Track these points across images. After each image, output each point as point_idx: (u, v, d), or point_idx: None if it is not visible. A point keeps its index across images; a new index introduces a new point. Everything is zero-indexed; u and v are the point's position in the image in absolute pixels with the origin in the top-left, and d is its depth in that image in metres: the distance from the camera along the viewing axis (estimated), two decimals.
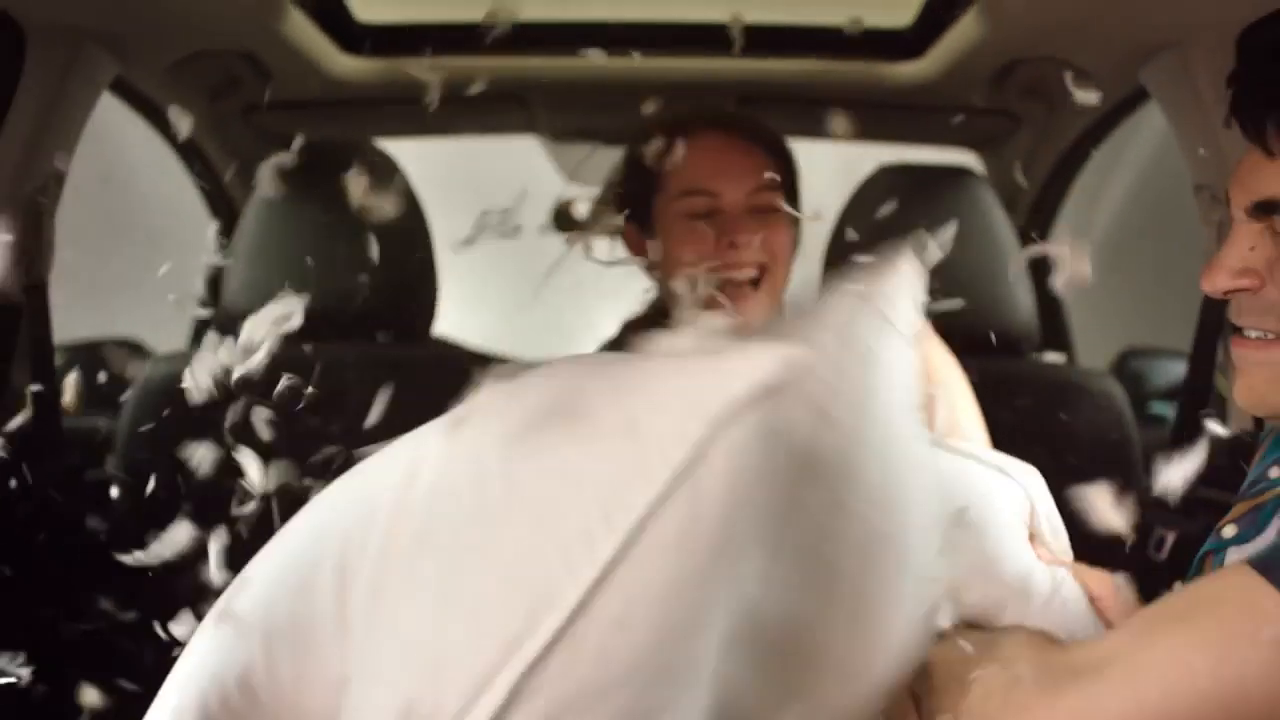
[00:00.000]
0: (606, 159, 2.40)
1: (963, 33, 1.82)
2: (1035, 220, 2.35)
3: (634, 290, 1.80)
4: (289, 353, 1.06)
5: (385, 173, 1.85)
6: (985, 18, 1.69)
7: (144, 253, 1.93)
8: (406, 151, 2.02)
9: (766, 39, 1.95)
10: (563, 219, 2.69)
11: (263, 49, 1.82)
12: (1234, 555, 1.06)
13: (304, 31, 1.80)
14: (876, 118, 2.12)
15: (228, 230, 2.26)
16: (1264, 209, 1.03)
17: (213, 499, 1.05)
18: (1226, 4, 1.45)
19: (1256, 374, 1.08)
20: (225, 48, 1.79)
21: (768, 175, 1.55)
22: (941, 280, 1.30)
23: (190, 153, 2.21)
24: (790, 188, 1.62)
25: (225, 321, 1.79)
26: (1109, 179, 2.82)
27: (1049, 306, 2.38)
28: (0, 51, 1.49)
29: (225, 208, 2.34)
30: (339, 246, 1.76)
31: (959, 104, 2.03)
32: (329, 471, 0.97)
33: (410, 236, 1.85)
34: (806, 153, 1.79)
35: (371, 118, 2.13)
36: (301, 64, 1.88)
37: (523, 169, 2.48)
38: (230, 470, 1.08)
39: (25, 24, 1.47)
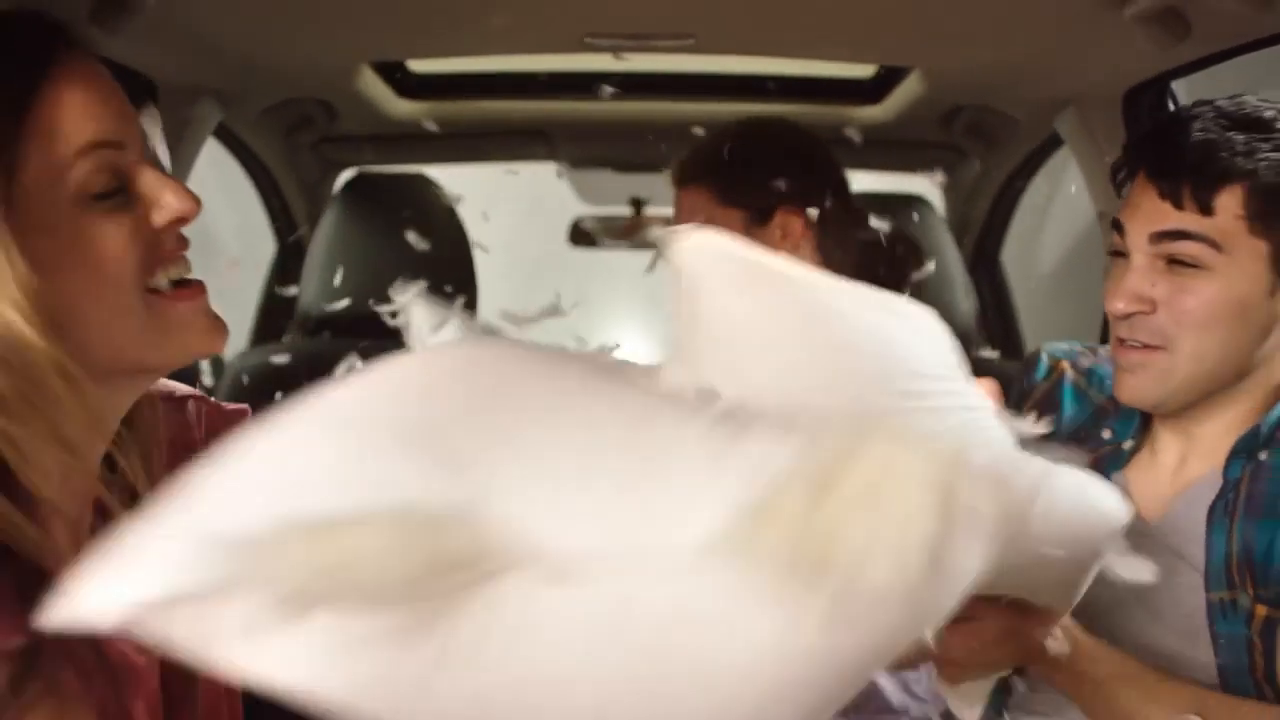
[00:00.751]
0: (614, 182, 2.81)
1: (913, 84, 2.20)
2: (986, 239, 2.74)
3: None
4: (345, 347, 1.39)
5: (432, 195, 2.25)
6: (925, 76, 2.09)
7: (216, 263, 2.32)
8: (448, 175, 2.42)
9: (757, 86, 2.33)
10: (578, 234, 3.10)
11: (335, 96, 2.22)
12: None
13: (369, 81, 2.19)
14: (847, 151, 2.50)
15: (284, 241, 2.66)
16: (1164, 237, 1.28)
17: None
18: (1111, 72, 1.83)
19: (1138, 374, 1.34)
20: (306, 95, 2.18)
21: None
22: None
23: (263, 178, 2.60)
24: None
25: (303, 319, 2.19)
26: (1054, 201, 3.19)
27: (1006, 319, 2.78)
28: (134, 103, 1.87)
29: (288, 224, 2.72)
30: (389, 255, 2.15)
31: (914, 140, 2.43)
32: None
33: (454, 247, 2.24)
34: None
35: (420, 149, 2.52)
36: (364, 106, 2.28)
37: (544, 190, 2.89)
38: None
39: (158, 81, 1.86)
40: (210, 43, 1.60)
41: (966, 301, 2.30)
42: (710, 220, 1.74)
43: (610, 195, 2.88)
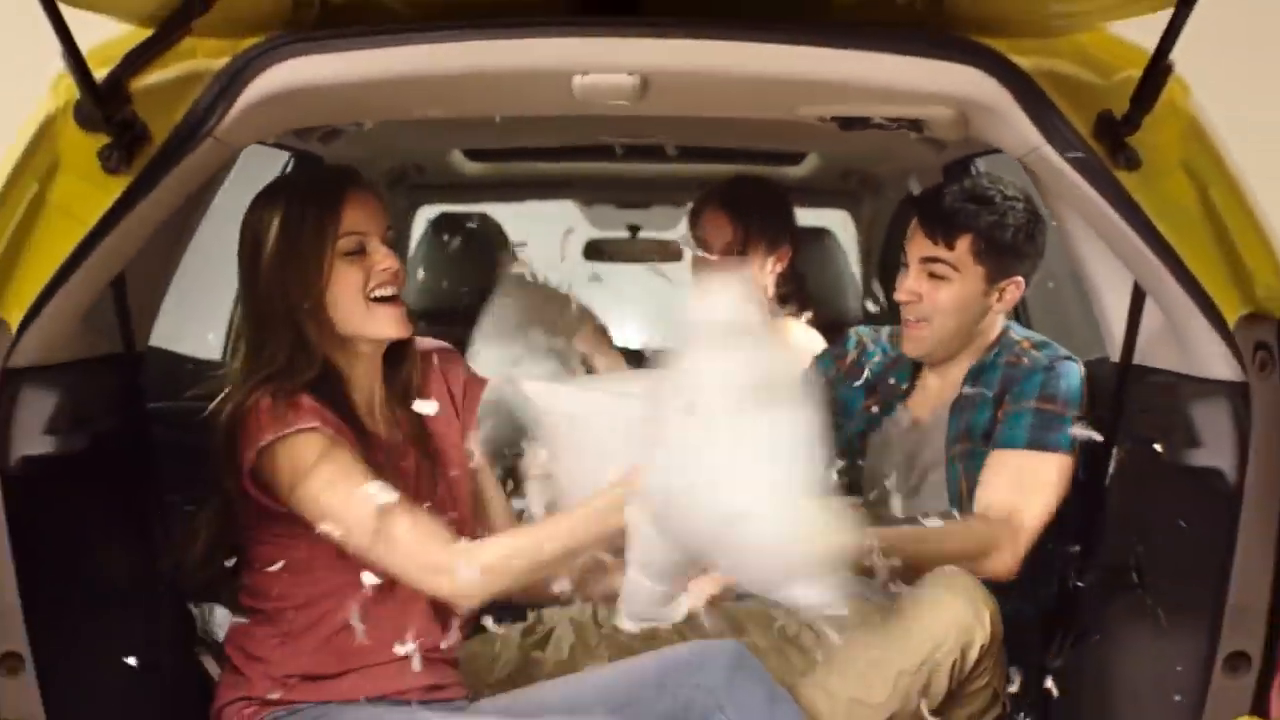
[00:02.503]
0: (616, 214, 3.90)
1: (814, 157, 3.30)
2: (884, 257, 3.81)
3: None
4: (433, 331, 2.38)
5: (490, 226, 3.35)
6: (819, 155, 3.19)
7: None
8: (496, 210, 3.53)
9: (718, 154, 3.38)
10: (591, 250, 4.18)
11: (426, 160, 3.31)
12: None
13: (454, 153, 3.30)
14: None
15: None
16: (927, 260, 2.31)
17: None
18: (931, 156, 2.89)
19: (914, 338, 2.37)
20: (408, 162, 3.28)
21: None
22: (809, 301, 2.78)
23: None
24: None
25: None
26: None
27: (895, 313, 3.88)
28: None
29: None
30: (464, 266, 3.23)
31: (823, 189, 3.52)
32: None
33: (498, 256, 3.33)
34: None
35: (479, 193, 3.61)
36: (445, 167, 3.37)
37: (566, 219, 3.97)
38: None
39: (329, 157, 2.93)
40: (371, 142, 2.67)
41: (855, 301, 3.40)
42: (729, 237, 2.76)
43: (613, 224, 3.98)
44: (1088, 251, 2.01)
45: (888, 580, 1.97)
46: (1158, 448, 1.81)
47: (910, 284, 2.31)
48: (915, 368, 2.45)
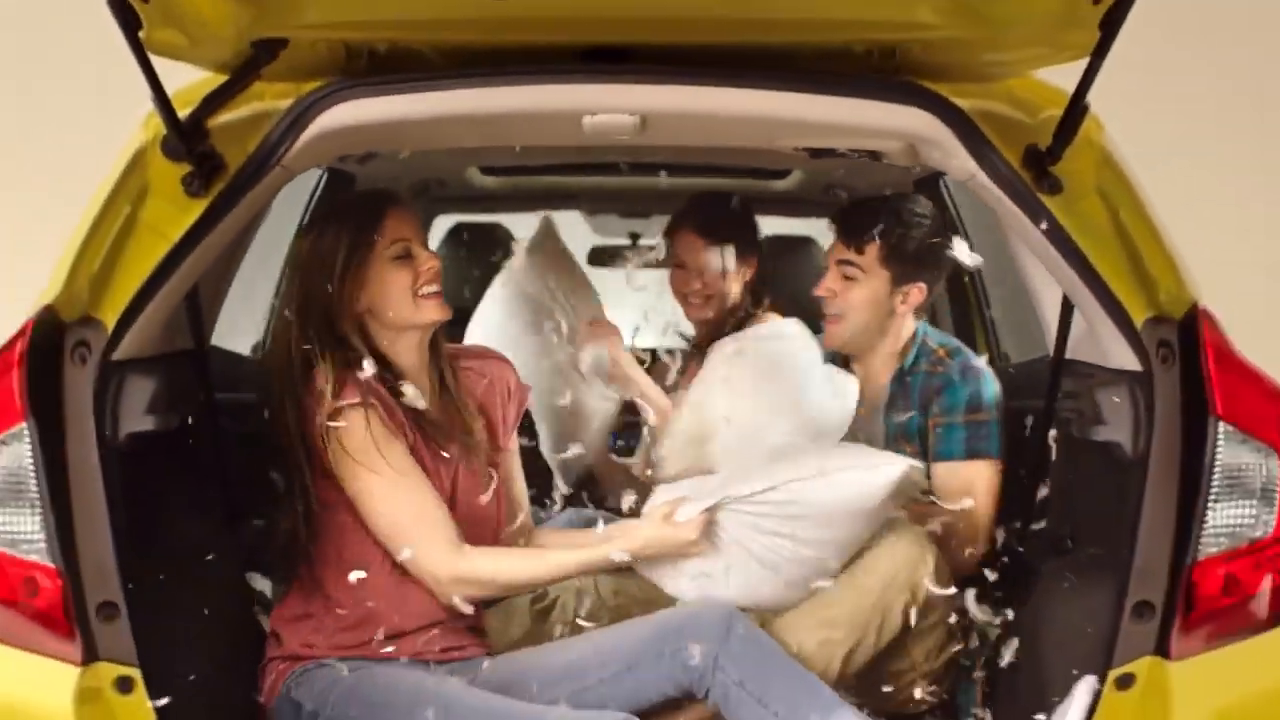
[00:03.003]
0: (617, 223, 4.21)
1: (798, 173, 3.61)
2: None
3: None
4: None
5: (502, 233, 3.66)
6: (802, 173, 3.50)
7: None
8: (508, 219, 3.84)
9: (712, 169, 3.68)
10: (595, 255, 4.49)
11: (447, 175, 3.62)
12: None
13: (471, 169, 3.61)
14: (772, 205, 3.91)
15: None
16: (841, 263, 2.68)
17: None
18: (902, 175, 3.18)
19: (831, 332, 2.71)
20: (430, 177, 3.59)
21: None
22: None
23: None
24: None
25: None
26: None
27: None
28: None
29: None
30: (479, 267, 3.55)
31: (808, 200, 3.83)
32: None
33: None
34: None
35: (493, 204, 3.92)
36: (463, 180, 3.68)
37: (573, 228, 4.28)
38: None
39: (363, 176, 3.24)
40: (400, 161, 2.97)
41: None
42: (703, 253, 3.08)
43: (615, 232, 4.29)
44: (1027, 264, 2.31)
45: None
46: (1080, 429, 2.13)
47: (828, 282, 2.70)
48: (844, 362, 2.79)
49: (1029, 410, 2.46)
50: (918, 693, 2.39)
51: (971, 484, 2.53)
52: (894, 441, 2.61)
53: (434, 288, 2.29)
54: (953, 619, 2.38)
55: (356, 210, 2.28)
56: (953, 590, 2.32)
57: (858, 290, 2.64)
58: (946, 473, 2.56)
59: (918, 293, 2.66)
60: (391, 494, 2.18)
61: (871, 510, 2.27)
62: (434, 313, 2.29)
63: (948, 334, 2.86)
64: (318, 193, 3.25)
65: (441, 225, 4.01)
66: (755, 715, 2.11)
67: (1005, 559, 2.41)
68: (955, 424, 2.58)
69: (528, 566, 2.27)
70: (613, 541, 2.28)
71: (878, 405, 2.68)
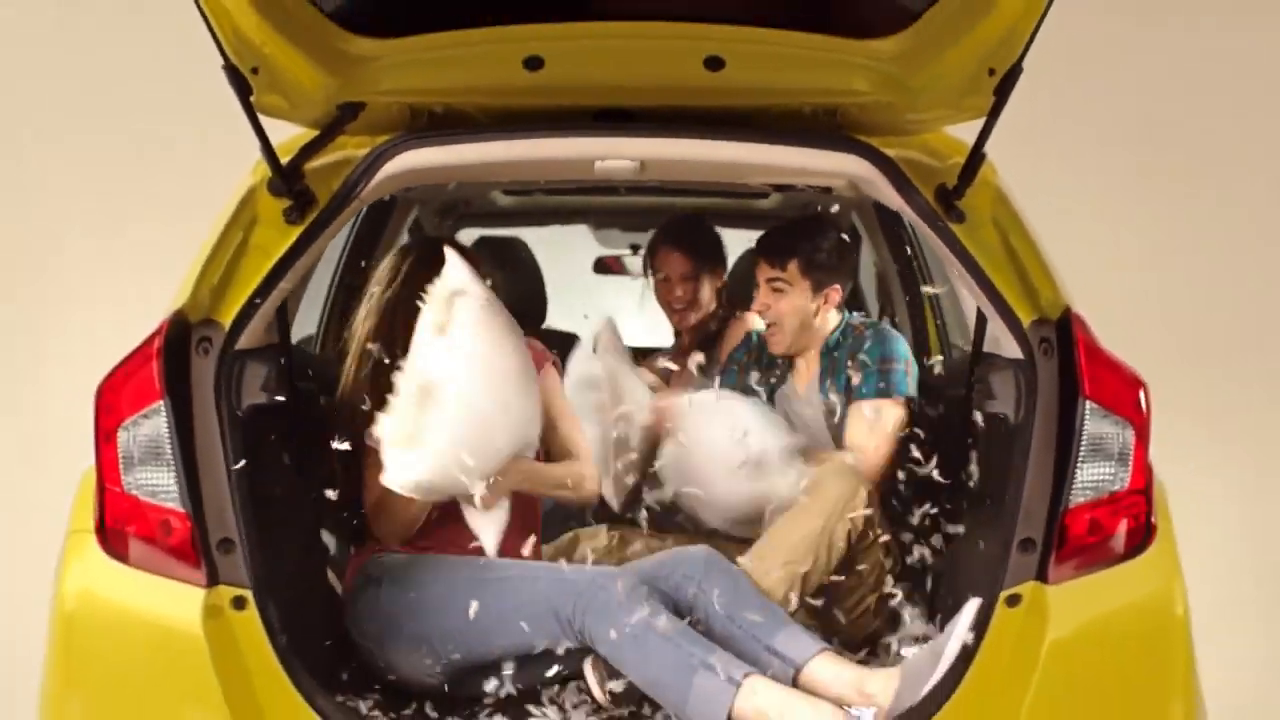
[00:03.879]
0: (619, 237, 4.79)
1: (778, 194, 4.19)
2: None
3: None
4: None
5: (520, 246, 4.23)
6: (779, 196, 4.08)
7: None
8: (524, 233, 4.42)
9: (701, 191, 4.25)
10: (599, 266, 5.07)
11: (474, 196, 4.20)
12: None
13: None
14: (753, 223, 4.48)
15: None
16: (770, 279, 3.23)
17: None
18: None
19: (772, 340, 3.28)
20: (458, 197, 4.17)
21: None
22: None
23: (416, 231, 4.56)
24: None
25: None
26: None
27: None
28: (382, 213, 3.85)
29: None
30: (504, 275, 4.12)
31: (790, 216, 4.40)
32: None
33: (531, 272, 4.20)
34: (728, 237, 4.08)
35: (512, 220, 4.50)
36: (487, 201, 4.26)
37: (580, 241, 4.87)
38: None
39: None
40: (435, 187, 3.54)
41: None
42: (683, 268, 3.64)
43: (618, 244, 4.88)
44: (952, 276, 2.89)
45: None
46: (983, 404, 2.70)
47: (761, 298, 3.27)
48: (789, 362, 3.37)
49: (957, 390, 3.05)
50: (863, 613, 2.97)
51: (880, 414, 3.10)
52: (828, 398, 3.20)
53: None
54: (885, 537, 2.97)
55: (419, 256, 2.90)
56: (870, 511, 2.92)
57: (786, 301, 3.21)
58: (854, 412, 3.15)
59: (835, 293, 3.24)
60: None
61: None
62: None
63: (875, 320, 3.44)
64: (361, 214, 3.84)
65: (467, 237, 4.58)
66: (729, 631, 2.69)
67: (934, 507, 2.98)
68: (870, 371, 3.16)
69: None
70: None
71: (813, 381, 3.27)
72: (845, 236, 3.26)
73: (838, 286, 3.24)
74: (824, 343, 3.27)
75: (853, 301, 4.10)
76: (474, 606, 2.69)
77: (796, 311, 3.23)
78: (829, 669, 2.65)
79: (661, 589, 2.72)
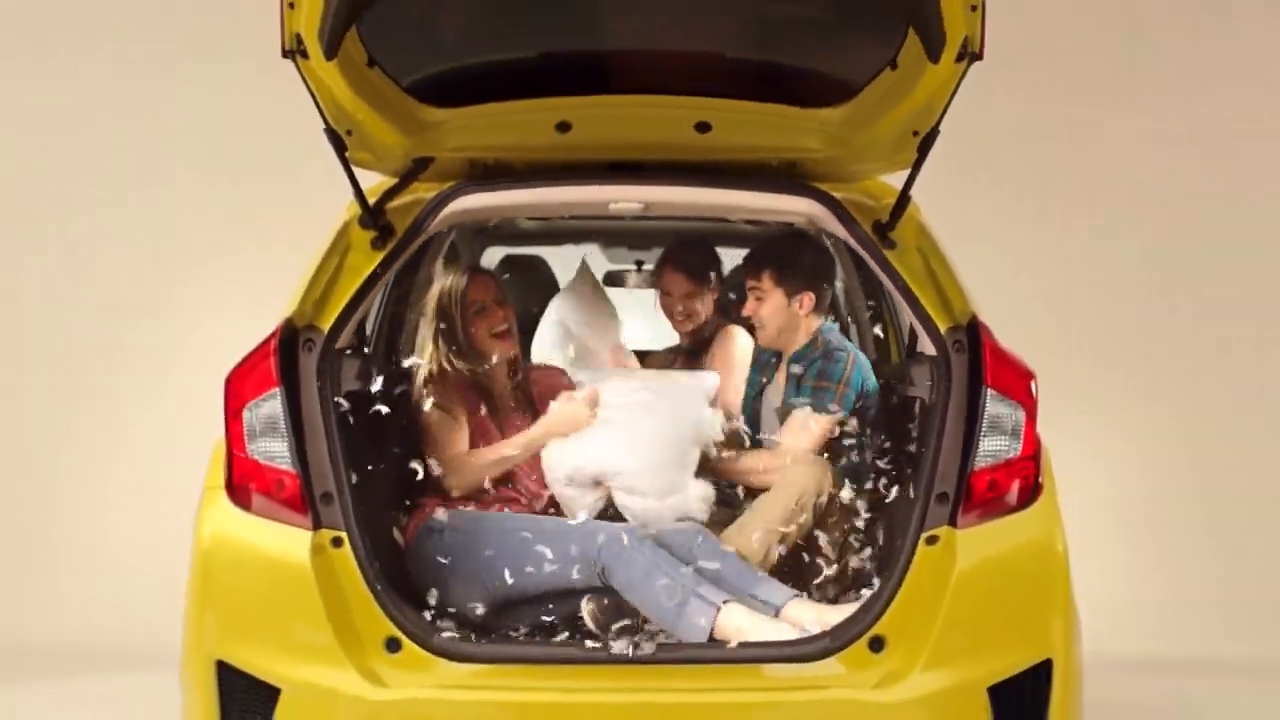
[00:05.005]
0: (626, 255, 5.54)
1: None
2: None
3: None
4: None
5: (540, 262, 4.98)
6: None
7: None
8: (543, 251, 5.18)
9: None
10: (609, 279, 5.81)
11: (502, 221, 4.95)
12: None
13: None
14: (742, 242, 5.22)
15: None
16: (751, 288, 3.90)
17: None
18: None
19: (759, 337, 3.99)
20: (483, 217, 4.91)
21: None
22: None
23: (454, 254, 5.29)
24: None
25: None
26: None
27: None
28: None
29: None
30: (526, 288, 4.86)
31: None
32: None
33: (549, 285, 4.94)
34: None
35: (532, 240, 5.24)
36: (510, 222, 5.00)
37: (592, 258, 5.62)
38: None
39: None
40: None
41: None
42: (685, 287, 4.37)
43: (625, 261, 5.62)
44: (887, 290, 3.63)
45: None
46: (914, 390, 3.43)
47: (747, 304, 3.89)
48: (777, 357, 4.03)
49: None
50: (827, 566, 3.61)
51: (807, 424, 3.68)
52: (790, 398, 3.84)
53: (503, 327, 3.66)
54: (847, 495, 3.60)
55: (453, 280, 3.69)
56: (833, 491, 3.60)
57: (765, 306, 3.88)
58: (795, 415, 3.73)
59: (808, 299, 3.84)
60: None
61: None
62: (503, 349, 3.70)
63: (843, 336, 4.05)
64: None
65: (493, 255, 5.32)
66: (719, 585, 3.34)
67: (880, 477, 3.71)
68: (806, 386, 3.75)
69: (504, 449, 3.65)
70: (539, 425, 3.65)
71: (783, 385, 3.94)
72: (815, 251, 3.91)
73: (810, 293, 3.88)
74: (794, 351, 3.90)
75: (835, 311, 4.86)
76: (520, 545, 3.42)
77: (775, 314, 3.89)
78: (800, 609, 3.33)
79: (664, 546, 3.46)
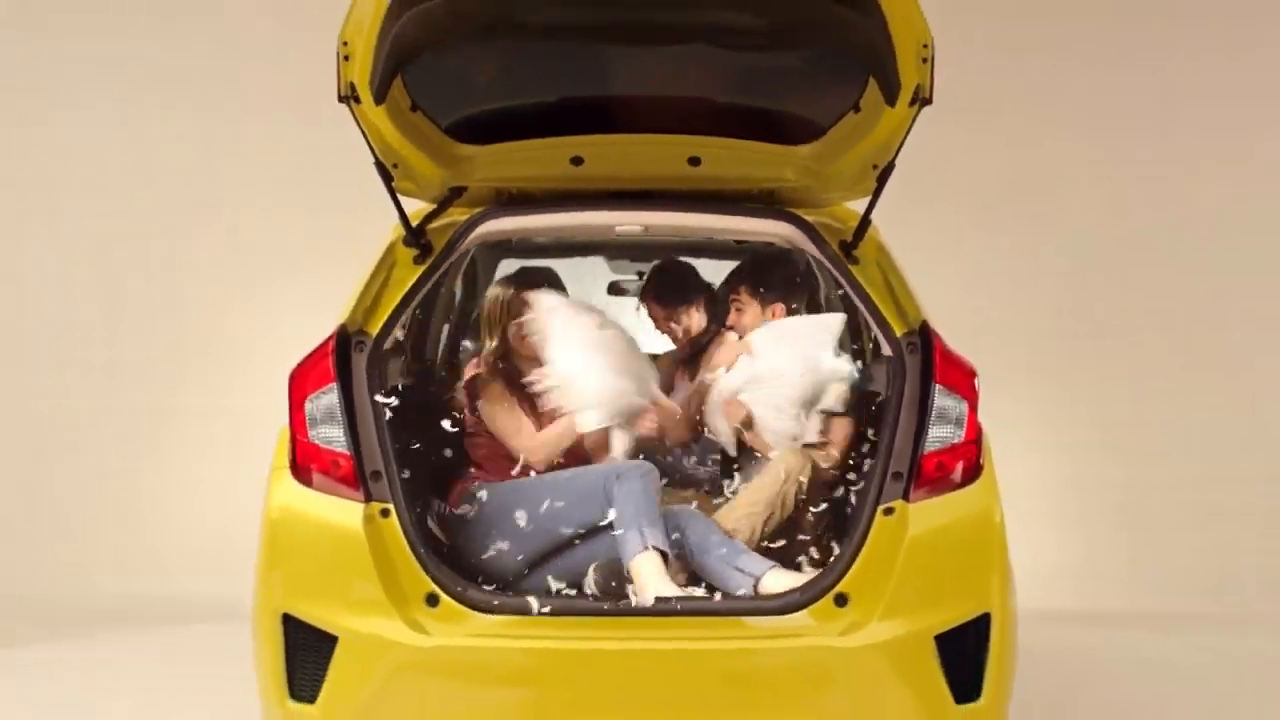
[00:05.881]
0: (629, 266, 6.10)
1: None
2: None
3: None
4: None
5: (551, 273, 5.54)
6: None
7: None
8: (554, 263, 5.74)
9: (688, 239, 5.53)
10: (613, 289, 6.37)
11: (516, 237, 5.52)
12: None
13: None
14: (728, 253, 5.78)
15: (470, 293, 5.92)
16: (731, 301, 4.48)
17: None
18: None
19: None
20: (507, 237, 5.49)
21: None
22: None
23: (472, 266, 5.84)
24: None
25: None
26: None
27: None
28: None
29: (471, 285, 5.96)
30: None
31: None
32: None
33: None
34: (706, 267, 5.32)
35: (544, 253, 5.80)
36: (526, 238, 5.58)
37: (598, 269, 6.18)
38: None
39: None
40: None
41: None
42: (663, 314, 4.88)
43: (627, 271, 6.17)
44: (852, 300, 4.20)
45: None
46: (875, 386, 4.00)
47: (730, 315, 4.41)
48: None
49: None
50: (806, 542, 4.10)
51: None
52: None
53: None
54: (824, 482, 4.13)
55: (504, 293, 4.24)
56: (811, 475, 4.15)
57: (745, 315, 4.43)
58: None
59: (780, 309, 4.38)
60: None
61: None
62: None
63: None
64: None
65: (509, 268, 5.84)
66: (705, 557, 3.85)
67: (853, 465, 4.26)
68: None
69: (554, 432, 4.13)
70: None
71: None
72: (785, 267, 4.45)
73: (780, 304, 4.42)
74: None
75: None
76: (545, 499, 3.91)
77: (753, 323, 4.44)
78: (777, 578, 3.80)
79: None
